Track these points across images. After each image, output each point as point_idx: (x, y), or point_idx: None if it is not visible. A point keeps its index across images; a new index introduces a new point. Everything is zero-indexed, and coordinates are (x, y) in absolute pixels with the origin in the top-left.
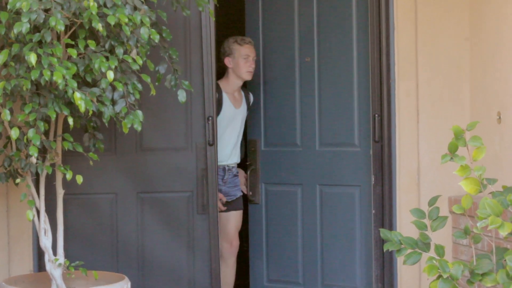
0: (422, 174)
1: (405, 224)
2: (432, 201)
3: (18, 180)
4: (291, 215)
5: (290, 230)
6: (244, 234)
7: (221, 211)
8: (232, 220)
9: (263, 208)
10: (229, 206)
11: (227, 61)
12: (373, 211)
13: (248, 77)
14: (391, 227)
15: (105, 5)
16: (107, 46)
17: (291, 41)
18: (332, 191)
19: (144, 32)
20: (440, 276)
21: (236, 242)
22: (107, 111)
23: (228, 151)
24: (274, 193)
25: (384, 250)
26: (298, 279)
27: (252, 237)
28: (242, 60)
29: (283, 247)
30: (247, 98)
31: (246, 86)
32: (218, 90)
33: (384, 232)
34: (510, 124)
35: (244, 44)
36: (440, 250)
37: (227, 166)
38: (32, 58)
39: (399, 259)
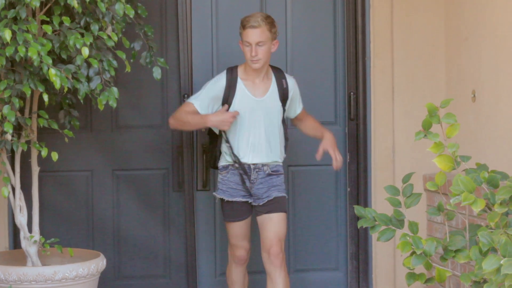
0: (397, 152)
1: (380, 202)
2: (406, 178)
3: None
4: None
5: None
6: None
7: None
8: (269, 223)
9: None
10: (265, 208)
11: (240, 44)
12: (348, 189)
13: (253, 66)
14: (366, 205)
15: None
16: (82, 22)
17: None
18: (307, 170)
19: (119, 8)
20: (413, 253)
21: (275, 249)
22: (83, 88)
23: (244, 148)
24: None
25: (358, 227)
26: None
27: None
28: (245, 47)
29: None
30: (280, 85)
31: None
32: (233, 73)
33: (358, 209)
34: (484, 103)
35: (246, 28)
36: (414, 226)
37: (253, 165)
38: (7, 35)
39: (374, 237)
